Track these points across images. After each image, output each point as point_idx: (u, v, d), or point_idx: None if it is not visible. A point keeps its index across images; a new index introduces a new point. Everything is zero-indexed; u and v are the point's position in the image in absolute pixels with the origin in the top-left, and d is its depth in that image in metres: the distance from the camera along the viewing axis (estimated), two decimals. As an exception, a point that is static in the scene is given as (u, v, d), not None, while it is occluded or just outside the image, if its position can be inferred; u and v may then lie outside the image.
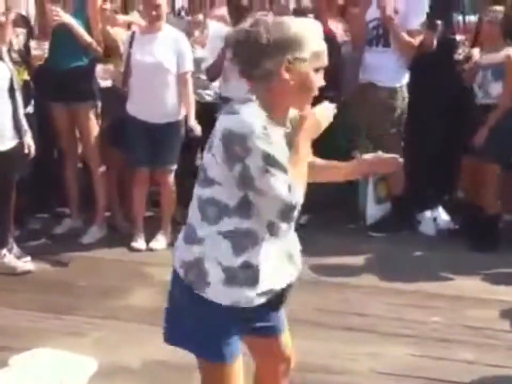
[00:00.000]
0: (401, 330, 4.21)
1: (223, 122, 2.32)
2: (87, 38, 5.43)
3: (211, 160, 2.34)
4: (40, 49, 5.32)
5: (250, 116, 2.28)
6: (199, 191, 2.42)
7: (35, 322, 4.29)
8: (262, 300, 2.42)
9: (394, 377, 3.72)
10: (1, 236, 4.99)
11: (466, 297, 4.72)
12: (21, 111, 4.94)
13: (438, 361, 3.89)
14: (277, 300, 2.49)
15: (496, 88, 5.43)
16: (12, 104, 4.84)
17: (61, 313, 4.41)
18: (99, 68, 5.68)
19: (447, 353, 3.98)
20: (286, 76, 2.31)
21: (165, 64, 5.31)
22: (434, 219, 5.96)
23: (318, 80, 2.39)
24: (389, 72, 5.72)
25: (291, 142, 2.41)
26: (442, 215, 5.99)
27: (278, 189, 2.25)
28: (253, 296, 2.39)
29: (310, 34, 2.34)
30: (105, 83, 5.73)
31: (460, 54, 5.85)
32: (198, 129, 5.38)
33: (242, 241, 2.36)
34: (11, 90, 4.83)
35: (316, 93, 2.40)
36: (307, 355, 3.42)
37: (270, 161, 2.25)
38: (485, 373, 3.78)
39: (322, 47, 2.38)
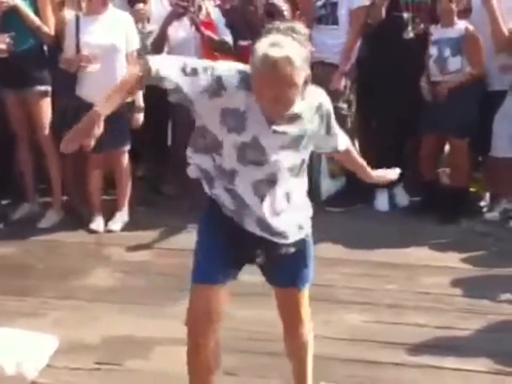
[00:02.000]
0: (354, 298, 4.33)
1: None
2: (36, 21, 5.39)
3: None
4: (2, 43, 5.25)
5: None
6: None
7: (-6, 305, 4.33)
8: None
9: (347, 342, 3.84)
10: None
11: (418, 266, 4.87)
12: None
13: (390, 326, 4.03)
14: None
15: (454, 63, 5.56)
16: None
17: (20, 295, 4.44)
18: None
19: (399, 318, 4.12)
20: None
21: (114, 45, 5.35)
22: (392, 196, 6.09)
23: (264, 97, 2.45)
24: (338, 49, 5.82)
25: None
26: (399, 192, 6.12)
27: None
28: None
29: (258, 56, 2.40)
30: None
31: (409, 31, 5.93)
32: (140, 117, 5.47)
33: None
34: None
35: (264, 103, 2.48)
36: (260, 324, 3.53)
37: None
38: (434, 334, 3.93)
39: (264, 76, 2.40)
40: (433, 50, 5.65)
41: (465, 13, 5.66)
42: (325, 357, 3.63)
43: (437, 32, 5.67)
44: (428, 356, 3.70)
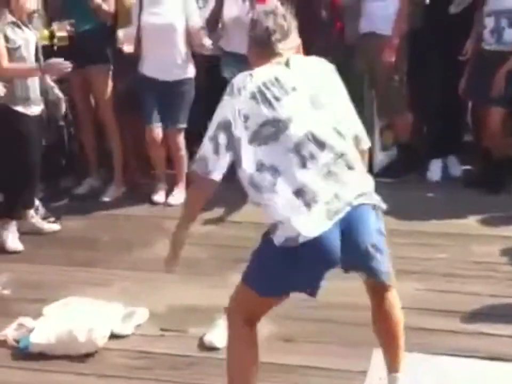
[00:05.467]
0: (406, 267, 4.35)
1: None
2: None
3: None
4: (63, 30, 5.44)
5: None
6: None
7: (64, 276, 4.56)
8: None
9: (402, 310, 3.93)
10: (29, 197, 5.17)
11: (470, 235, 4.93)
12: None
13: (442, 294, 4.13)
14: None
15: (511, 34, 5.49)
16: None
17: (87, 266, 4.68)
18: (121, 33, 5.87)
19: (452, 287, 4.21)
20: None
21: (173, 23, 5.49)
22: (445, 166, 6.12)
23: None
24: (389, 20, 5.83)
25: None
26: (452, 162, 6.15)
27: None
28: None
29: None
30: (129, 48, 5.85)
31: (457, 5, 5.89)
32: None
33: None
34: (36, 55, 4.97)
35: None
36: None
37: None
38: (486, 302, 4.02)
39: None
40: (488, 21, 5.56)
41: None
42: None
43: (493, 2, 5.62)
44: (483, 323, 3.79)
